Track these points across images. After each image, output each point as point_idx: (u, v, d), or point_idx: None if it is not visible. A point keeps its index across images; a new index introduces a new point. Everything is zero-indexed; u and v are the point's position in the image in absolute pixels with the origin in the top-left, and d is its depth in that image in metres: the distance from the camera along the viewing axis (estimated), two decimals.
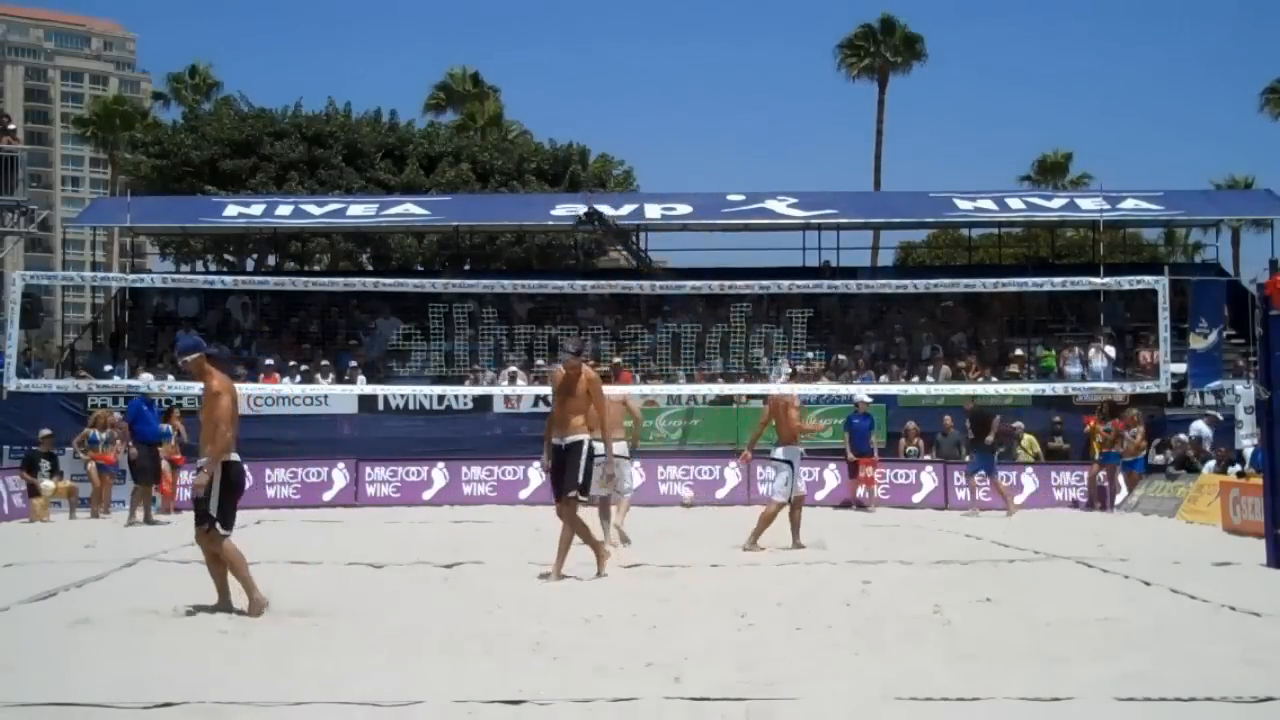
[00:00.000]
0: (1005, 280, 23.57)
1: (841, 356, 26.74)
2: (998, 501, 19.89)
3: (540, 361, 26.48)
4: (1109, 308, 26.28)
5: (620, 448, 14.19)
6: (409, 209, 30.57)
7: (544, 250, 40.98)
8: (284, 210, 30.75)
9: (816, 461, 22.07)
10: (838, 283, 23.63)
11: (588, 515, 11.26)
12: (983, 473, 20.11)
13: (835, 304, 28.39)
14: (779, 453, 13.58)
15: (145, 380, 20.88)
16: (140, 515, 17.85)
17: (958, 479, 21.66)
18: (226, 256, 40.59)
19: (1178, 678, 6.37)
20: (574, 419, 10.46)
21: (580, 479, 10.45)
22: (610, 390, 18.97)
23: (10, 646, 7.31)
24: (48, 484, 19.31)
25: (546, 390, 24.23)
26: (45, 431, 20.19)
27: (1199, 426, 21.63)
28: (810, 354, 26.36)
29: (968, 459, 20.79)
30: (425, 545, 13.67)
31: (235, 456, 8.70)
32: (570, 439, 10.45)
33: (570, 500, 10.40)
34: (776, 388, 15.56)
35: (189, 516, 18.89)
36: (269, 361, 26.00)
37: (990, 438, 20.28)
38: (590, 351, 26.49)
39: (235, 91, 47.85)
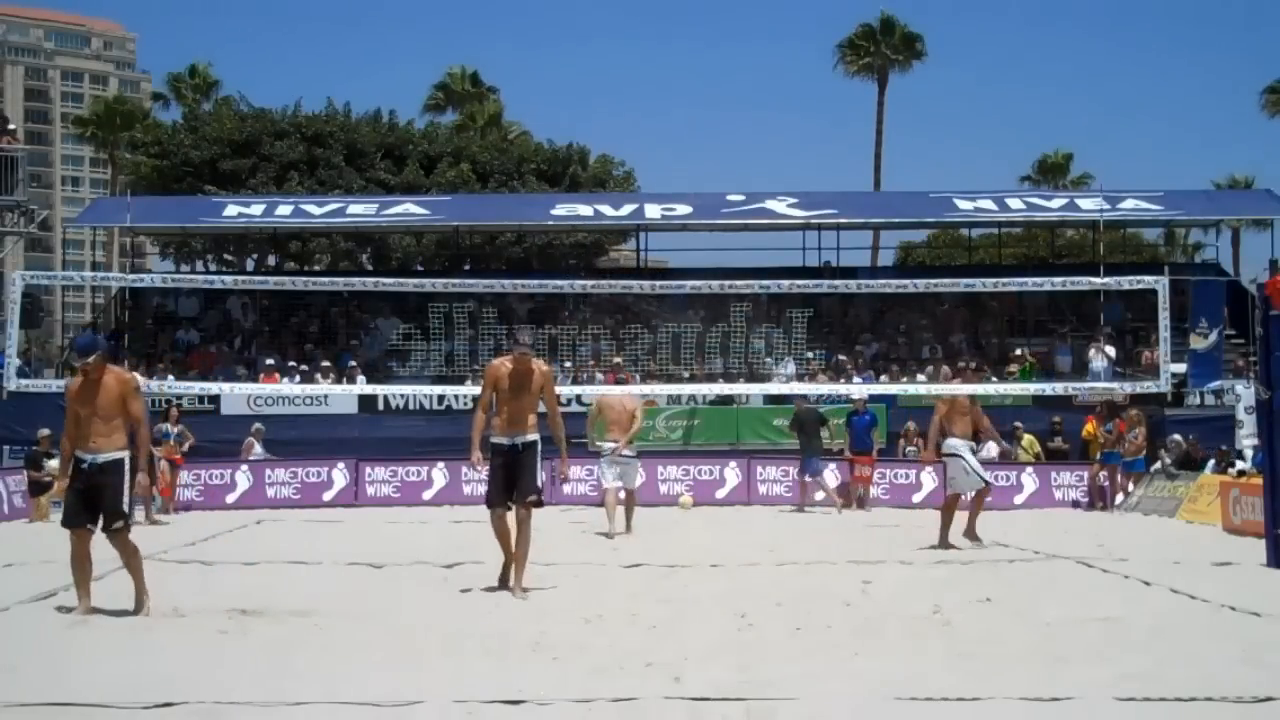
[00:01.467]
0: (1005, 280, 23.60)
1: (841, 356, 26.74)
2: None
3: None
4: (1109, 308, 26.29)
5: (629, 447, 16.04)
6: (409, 209, 30.57)
7: (544, 250, 40.99)
8: (284, 210, 30.75)
9: None
10: (838, 283, 23.65)
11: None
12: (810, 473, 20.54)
13: (835, 304, 28.40)
14: (955, 445, 13.77)
15: (142, 381, 20.85)
16: (140, 515, 17.81)
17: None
18: (226, 256, 40.60)
19: (1178, 678, 6.37)
20: (528, 417, 9.78)
21: (539, 484, 9.86)
22: (619, 391, 19.31)
23: (10, 646, 7.31)
24: (53, 463, 19.34)
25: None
26: (44, 431, 20.20)
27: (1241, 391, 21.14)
28: (810, 354, 26.37)
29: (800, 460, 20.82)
30: (425, 545, 13.68)
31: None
32: (525, 439, 9.78)
33: (531, 505, 9.74)
34: (942, 387, 16.46)
35: (189, 517, 18.95)
36: (269, 361, 26.01)
37: (821, 438, 20.64)
38: (594, 351, 26.57)
39: (235, 91, 47.94)
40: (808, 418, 20.66)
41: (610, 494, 15.73)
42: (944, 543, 13.49)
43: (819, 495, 20.68)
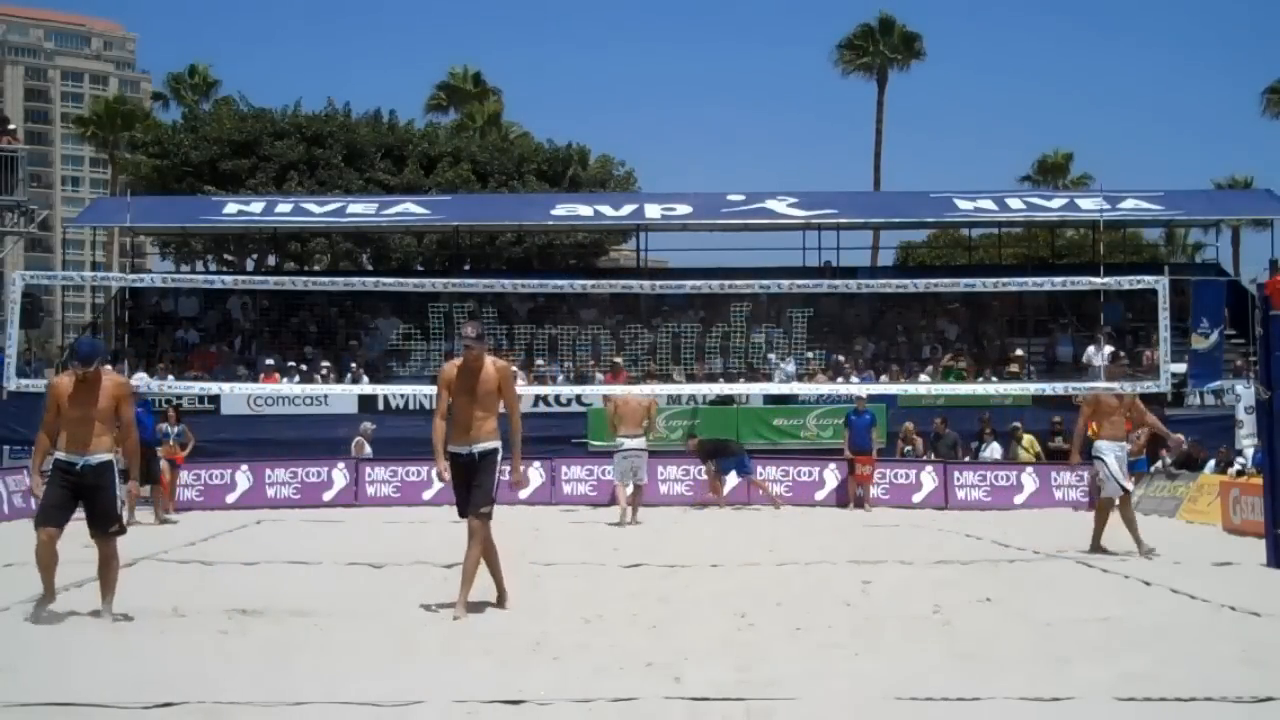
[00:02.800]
0: (1005, 280, 23.57)
1: (841, 357, 26.75)
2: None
3: (540, 361, 26.49)
4: (1109, 308, 26.30)
5: (641, 443, 17.85)
6: (409, 209, 30.57)
7: (544, 250, 41.01)
8: (284, 209, 30.76)
9: (816, 461, 22.10)
10: (838, 283, 23.63)
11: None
12: (736, 473, 20.77)
13: (835, 304, 28.41)
14: (1100, 448, 13.34)
15: (143, 380, 20.87)
16: (150, 516, 17.83)
17: (957, 479, 21.68)
18: (226, 256, 40.60)
19: (1178, 678, 6.37)
20: (484, 422, 8.75)
21: (494, 494, 8.85)
22: (636, 391, 19.53)
23: (10, 646, 7.31)
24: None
25: (546, 390, 24.47)
26: None
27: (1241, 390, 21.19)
28: (810, 354, 26.38)
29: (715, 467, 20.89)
30: (425, 545, 13.66)
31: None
32: (481, 447, 8.75)
33: (484, 516, 8.75)
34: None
35: (189, 517, 18.92)
36: (269, 361, 26.01)
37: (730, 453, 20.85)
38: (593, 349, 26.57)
39: (235, 91, 47.94)
40: (708, 452, 20.91)
41: (621, 487, 17.63)
42: (1096, 547, 12.95)
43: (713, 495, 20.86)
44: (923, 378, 25.73)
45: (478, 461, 8.73)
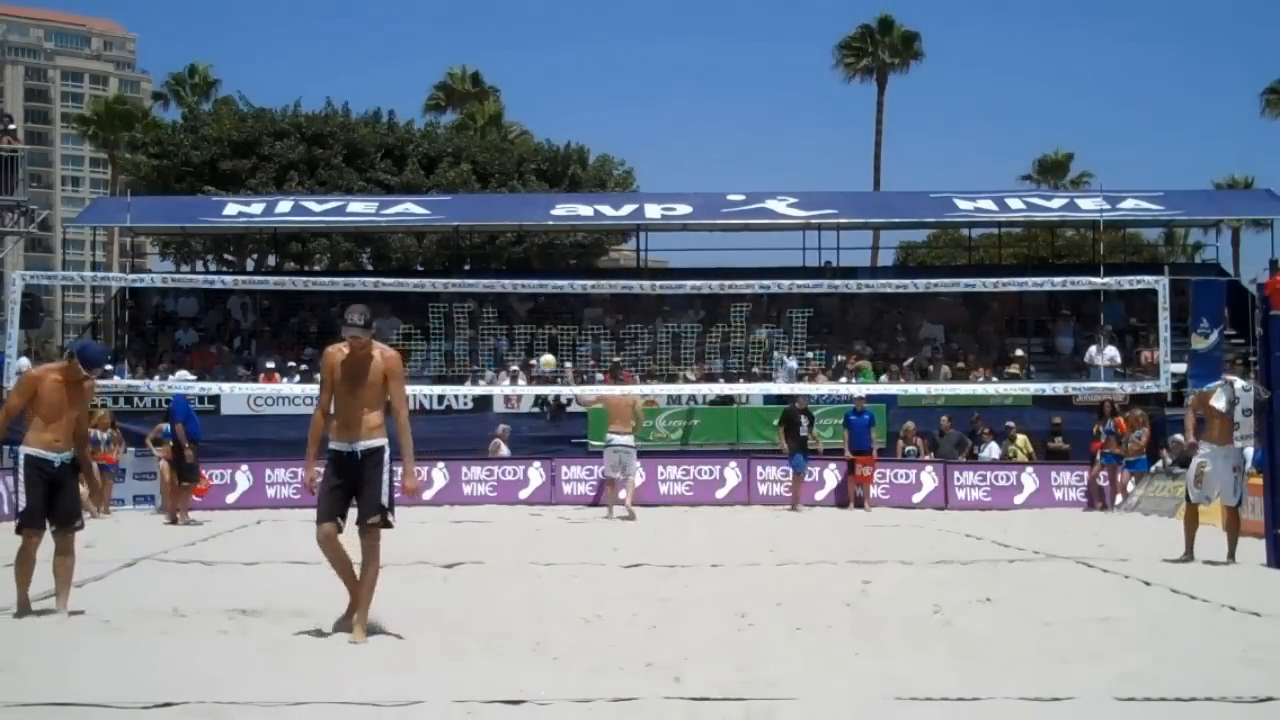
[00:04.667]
0: (1005, 280, 23.60)
1: (841, 357, 26.75)
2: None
3: (534, 362, 26.48)
4: (1109, 308, 26.30)
5: (628, 440, 18.66)
6: (409, 209, 30.57)
7: (544, 250, 41.00)
8: (284, 209, 30.73)
9: (816, 461, 22.09)
10: (838, 283, 23.68)
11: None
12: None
13: (835, 304, 28.40)
14: (1200, 450, 12.69)
15: (144, 381, 20.89)
16: (181, 514, 17.96)
17: (957, 479, 21.69)
18: (226, 256, 40.62)
19: (1178, 678, 6.37)
20: (369, 416, 7.91)
21: (387, 498, 7.90)
22: (622, 391, 19.70)
23: (10, 646, 7.31)
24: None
25: (546, 390, 24.49)
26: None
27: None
28: (810, 354, 26.38)
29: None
30: (425, 545, 13.66)
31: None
32: (365, 445, 7.87)
33: (375, 528, 7.84)
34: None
35: (189, 517, 18.88)
36: (269, 362, 25.98)
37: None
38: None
39: (235, 91, 47.96)
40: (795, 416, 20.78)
41: (609, 482, 18.78)
42: (1188, 554, 12.24)
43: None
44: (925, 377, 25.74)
45: (361, 461, 7.83)
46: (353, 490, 7.86)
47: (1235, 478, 12.35)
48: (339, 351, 7.85)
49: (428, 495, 21.81)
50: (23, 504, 8.54)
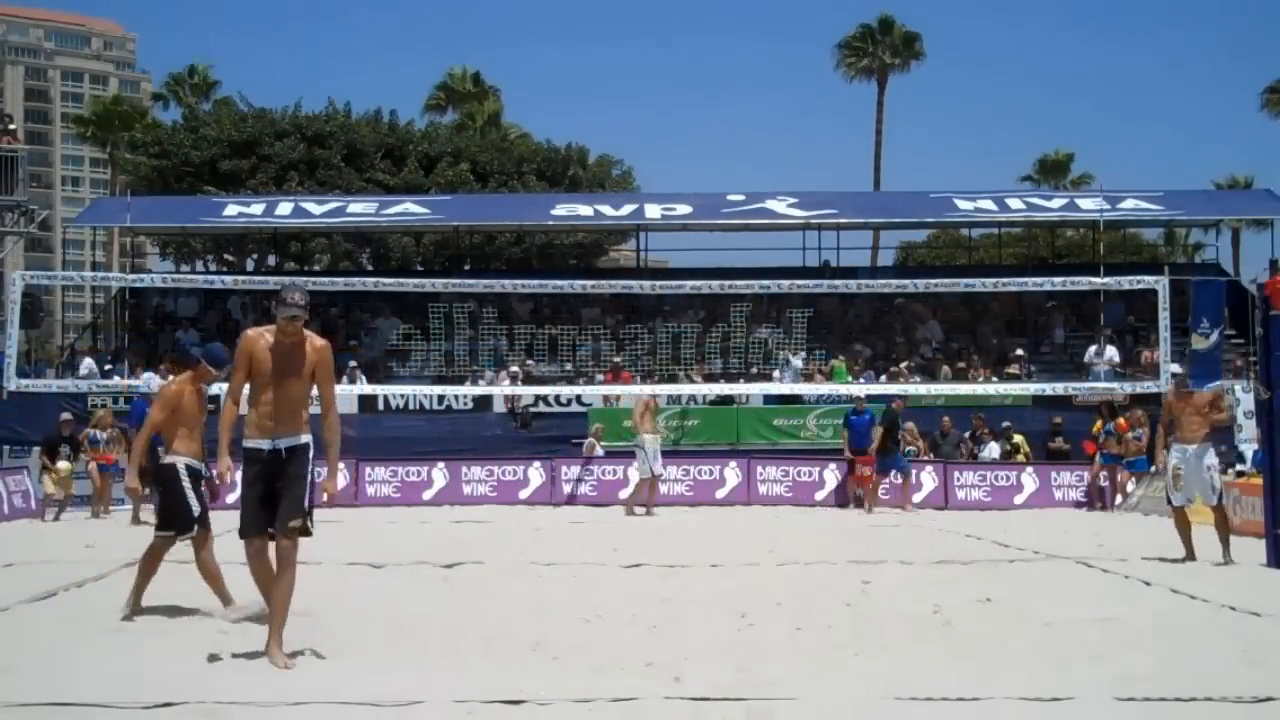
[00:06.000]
0: (1005, 280, 23.59)
1: (841, 356, 26.75)
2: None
3: (530, 361, 26.48)
4: (1109, 308, 26.30)
5: (650, 439, 19.38)
6: (409, 209, 30.59)
7: (544, 250, 40.99)
8: (284, 210, 30.75)
9: (816, 461, 22.10)
10: (838, 283, 23.68)
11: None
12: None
13: (835, 304, 28.41)
14: (1172, 450, 12.35)
15: (146, 380, 20.87)
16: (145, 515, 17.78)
17: (957, 479, 21.69)
18: (226, 256, 40.61)
19: (1178, 678, 6.37)
20: (295, 411, 7.06)
21: (308, 503, 7.01)
22: (638, 390, 19.84)
23: (10, 646, 7.31)
24: (64, 464, 19.39)
25: (546, 390, 24.50)
26: (65, 416, 20.16)
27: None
28: (807, 354, 26.37)
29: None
30: (425, 545, 13.66)
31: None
32: (289, 442, 7.02)
33: (294, 533, 6.94)
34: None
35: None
36: None
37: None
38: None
39: (235, 91, 47.95)
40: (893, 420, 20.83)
41: (649, 482, 19.50)
42: (1189, 555, 12.11)
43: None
44: (914, 379, 25.73)
45: (285, 459, 7.00)
46: (270, 491, 7.00)
47: (1209, 476, 12.20)
48: (262, 337, 7.06)
49: (428, 495, 21.83)
50: (197, 511, 8.97)
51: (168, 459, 8.83)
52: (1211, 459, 12.30)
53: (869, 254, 39.08)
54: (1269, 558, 11.73)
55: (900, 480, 20.89)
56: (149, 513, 17.99)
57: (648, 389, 21.68)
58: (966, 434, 23.26)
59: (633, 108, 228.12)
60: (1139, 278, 19.09)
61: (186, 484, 8.78)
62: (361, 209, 31.02)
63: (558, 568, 11.52)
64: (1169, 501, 12.50)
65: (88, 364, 25.35)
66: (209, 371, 9.04)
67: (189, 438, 8.83)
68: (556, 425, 23.79)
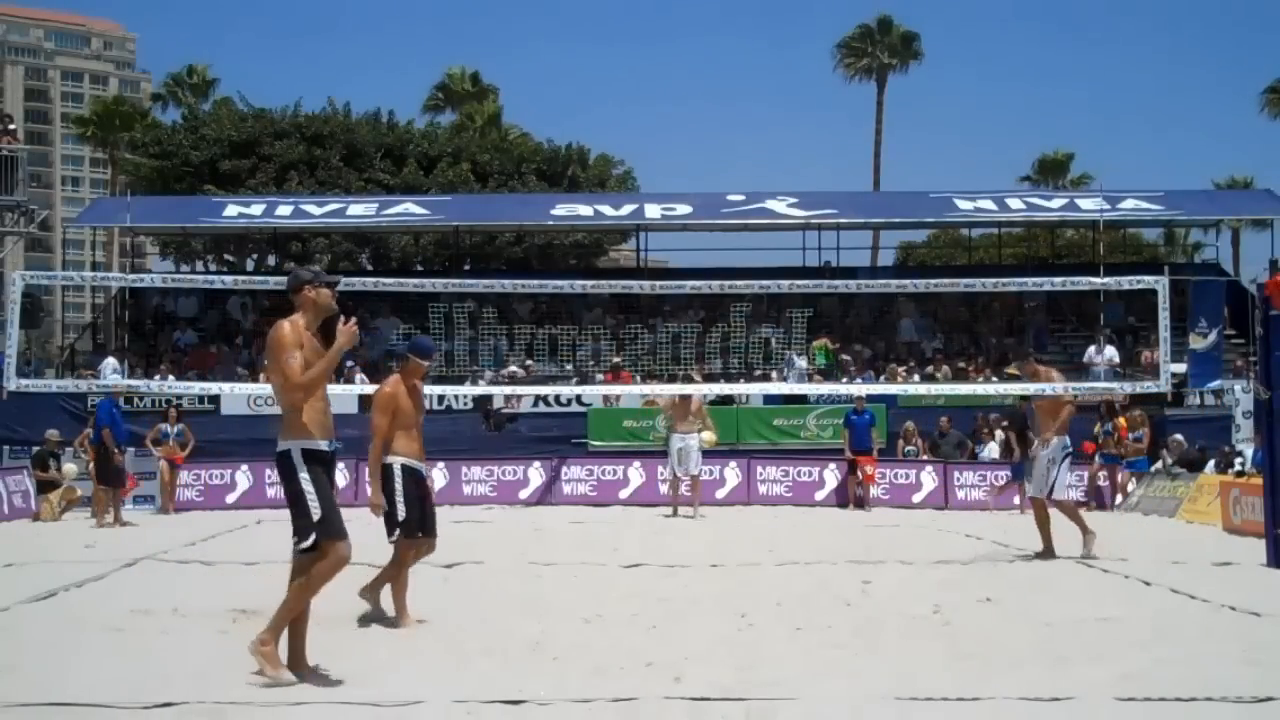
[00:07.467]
0: (1005, 280, 23.58)
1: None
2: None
3: (530, 362, 26.46)
4: (1109, 308, 26.30)
5: (692, 438, 18.97)
6: (409, 209, 30.57)
7: (544, 250, 40.99)
8: (284, 210, 30.75)
9: (816, 461, 22.09)
10: (838, 283, 23.66)
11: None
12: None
13: (835, 304, 28.40)
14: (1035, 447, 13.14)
15: (143, 381, 20.91)
16: (110, 517, 17.75)
17: (957, 479, 21.67)
18: (226, 256, 40.60)
19: (1178, 678, 6.37)
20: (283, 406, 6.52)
21: (309, 514, 6.80)
22: (681, 390, 19.79)
23: (10, 646, 7.31)
24: (70, 466, 19.41)
25: (546, 390, 24.49)
26: (52, 432, 20.34)
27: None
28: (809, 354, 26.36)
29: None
30: None
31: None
32: (279, 446, 6.59)
33: (302, 552, 6.88)
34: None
35: (190, 517, 18.88)
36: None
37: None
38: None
39: (234, 92, 47.94)
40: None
41: (678, 481, 19.19)
42: (1048, 550, 12.69)
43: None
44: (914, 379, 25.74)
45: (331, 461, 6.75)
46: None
47: (1047, 469, 12.84)
48: (314, 338, 6.70)
49: None
50: (402, 515, 8.54)
51: (386, 460, 8.52)
52: (1054, 453, 12.88)
53: (869, 254, 39.11)
54: (1269, 558, 11.73)
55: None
56: (147, 512, 18.09)
57: (649, 389, 21.67)
58: (970, 434, 23.20)
59: (633, 108, 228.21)
60: (1139, 278, 19.03)
61: (398, 485, 8.49)
62: (361, 209, 31.02)
63: (558, 568, 11.52)
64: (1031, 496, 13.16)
65: (110, 363, 25.24)
66: (420, 365, 8.75)
67: (408, 438, 8.56)
68: (557, 425, 23.78)
